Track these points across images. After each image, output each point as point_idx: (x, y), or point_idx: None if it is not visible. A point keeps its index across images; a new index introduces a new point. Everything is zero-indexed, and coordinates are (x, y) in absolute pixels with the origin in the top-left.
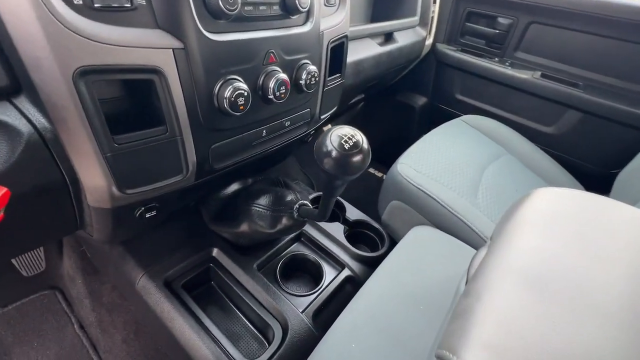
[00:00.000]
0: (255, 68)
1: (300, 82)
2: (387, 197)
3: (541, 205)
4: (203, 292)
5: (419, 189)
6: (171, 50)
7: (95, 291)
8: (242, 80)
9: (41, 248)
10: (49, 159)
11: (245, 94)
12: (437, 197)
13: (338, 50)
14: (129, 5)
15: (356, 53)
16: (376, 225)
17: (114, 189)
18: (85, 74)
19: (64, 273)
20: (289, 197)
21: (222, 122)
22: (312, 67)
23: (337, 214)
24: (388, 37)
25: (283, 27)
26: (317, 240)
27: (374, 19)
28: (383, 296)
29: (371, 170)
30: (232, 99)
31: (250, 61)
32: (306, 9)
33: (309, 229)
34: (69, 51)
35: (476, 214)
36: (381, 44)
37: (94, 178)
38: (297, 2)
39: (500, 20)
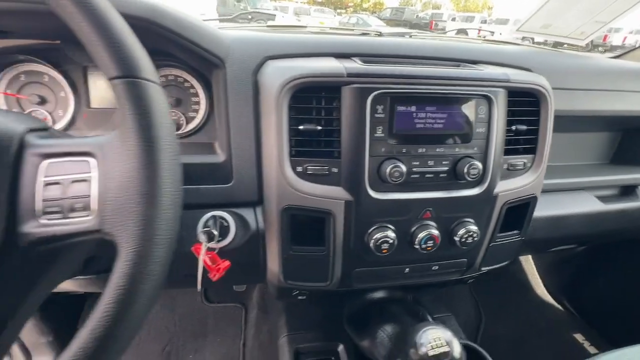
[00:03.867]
0: (409, 221)
1: (455, 238)
2: None
3: None
4: None
5: None
6: (343, 201)
7: (259, 325)
8: (393, 228)
9: None
10: (257, 247)
11: (391, 241)
12: None
13: (520, 210)
14: (327, 172)
15: (558, 207)
16: None
17: (281, 278)
18: (287, 210)
19: (251, 301)
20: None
21: (366, 255)
22: (473, 227)
23: None
24: (627, 190)
25: (447, 189)
26: None
27: (617, 158)
28: None
29: (578, 337)
30: (378, 244)
31: (405, 215)
32: (475, 179)
33: None
34: (284, 196)
35: None
36: (608, 199)
37: (273, 267)
38: (465, 174)
39: None
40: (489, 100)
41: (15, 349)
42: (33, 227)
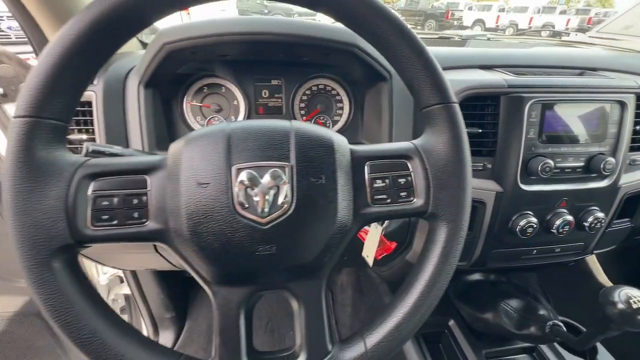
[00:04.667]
0: (547, 208)
1: (584, 224)
2: None
3: None
4: (432, 348)
5: None
6: (494, 192)
7: (356, 305)
8: (533, 215)
9: None
10: (406, 231)
11: (535, 226)
12: None
13: (634, 200)
14: (482, 168)
15: None
16: None
17: None
18: None
19: (338, 282)
20: (542, 312)
21: (507, 238)
22: (600, 214)
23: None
24: None
25: (581, 182)
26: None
27: None
28: None
29: None
30: (524, 228)
31: (544, 204)
32: (609, 173)
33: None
34: None
35: None
36: None
37: (419, 247)
38: (601, 169)
39: None
40: (622, 104)
41: (148, 321)
42: (369, 209)
